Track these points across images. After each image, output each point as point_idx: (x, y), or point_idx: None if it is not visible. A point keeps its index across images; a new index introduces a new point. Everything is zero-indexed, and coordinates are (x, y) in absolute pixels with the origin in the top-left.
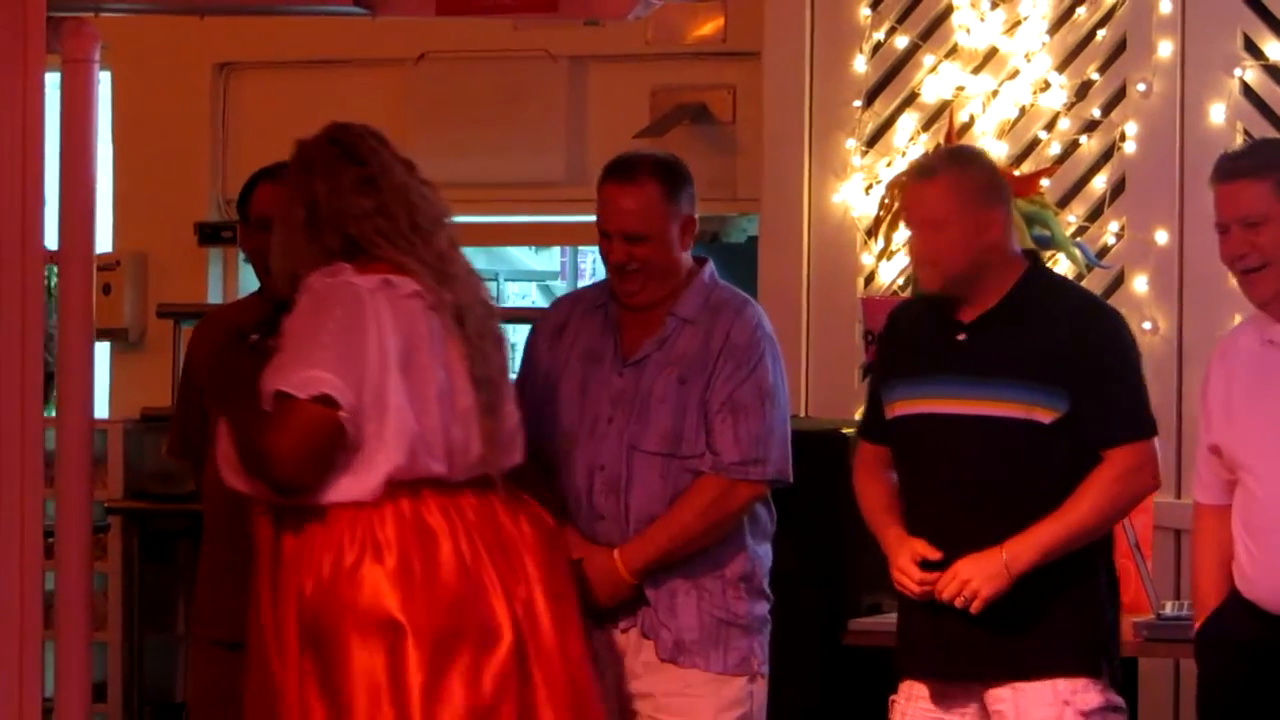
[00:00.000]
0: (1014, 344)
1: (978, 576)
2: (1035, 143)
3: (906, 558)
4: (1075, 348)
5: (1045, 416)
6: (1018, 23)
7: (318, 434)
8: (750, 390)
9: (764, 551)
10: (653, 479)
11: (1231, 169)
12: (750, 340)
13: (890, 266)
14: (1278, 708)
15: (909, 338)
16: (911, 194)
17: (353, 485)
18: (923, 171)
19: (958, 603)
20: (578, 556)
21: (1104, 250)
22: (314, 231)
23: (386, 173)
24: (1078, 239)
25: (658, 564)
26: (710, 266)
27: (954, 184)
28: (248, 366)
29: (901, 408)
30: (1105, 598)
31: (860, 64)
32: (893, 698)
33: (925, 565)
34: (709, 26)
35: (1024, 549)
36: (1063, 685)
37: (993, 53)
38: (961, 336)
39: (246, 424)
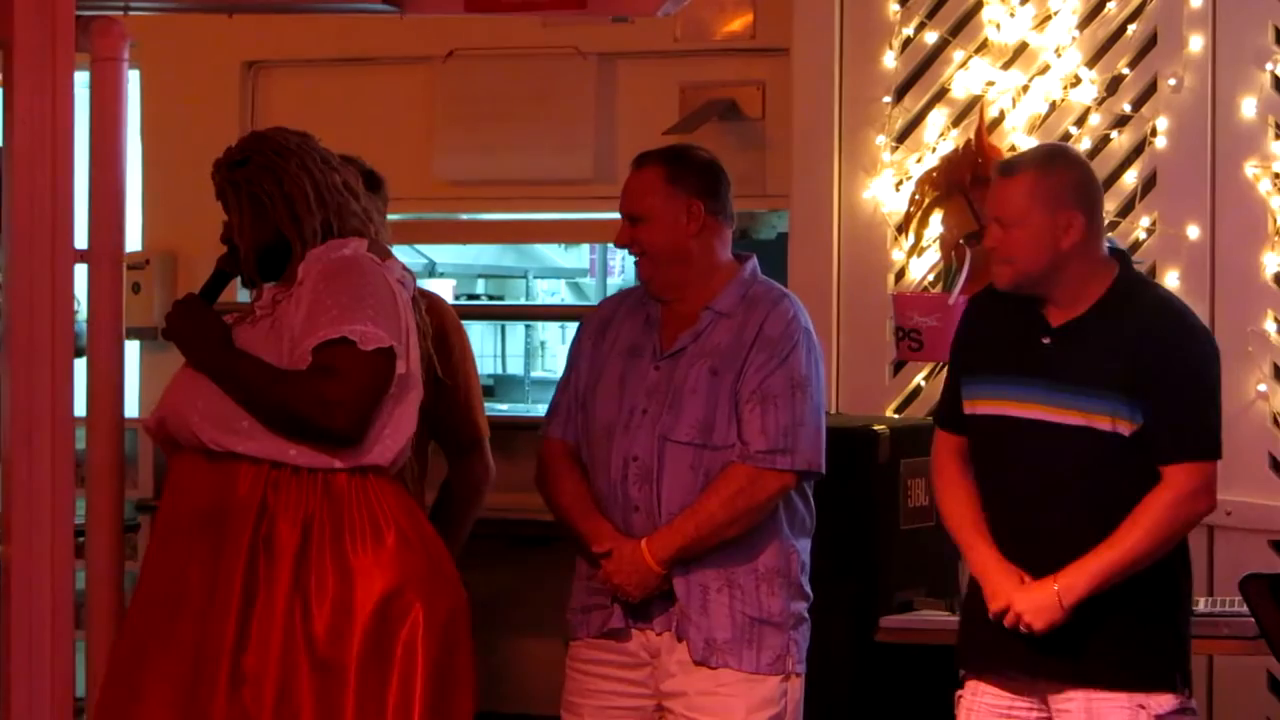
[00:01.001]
0: (1100, 353)
1: (1029, 610)
2: (1066, 138)
3: (1013, 588)
4: (1155, 360)
5: (1126, 428)
6: (1048, 17)
7: (380, 383)
8: (780, 380)
9: (802, 546)
10: (683, 469)
11: None
12: (784, 332)
13: (920, 262)
14: None
15: (992, 331)
16: (992, 190)
17: (379, 449)
18: (1006, 168)
19: (1021, 629)
20: (607, 548)
21: (1135, 245)
22: (307, 216)
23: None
24: (1109, 234)
25: (685, 553)
26: (753, 263)
27: (1032, 183)
28: (219, 330)
29: (982, 406)
30: (1182, 602)
31: (890, 59)
32: (959, 693)
33: None
34: (738, 23)
35: (1077, 580)
36: (1138, 694)
37: (1023, 48)
38: (1047, 340)
39: (281, 381)
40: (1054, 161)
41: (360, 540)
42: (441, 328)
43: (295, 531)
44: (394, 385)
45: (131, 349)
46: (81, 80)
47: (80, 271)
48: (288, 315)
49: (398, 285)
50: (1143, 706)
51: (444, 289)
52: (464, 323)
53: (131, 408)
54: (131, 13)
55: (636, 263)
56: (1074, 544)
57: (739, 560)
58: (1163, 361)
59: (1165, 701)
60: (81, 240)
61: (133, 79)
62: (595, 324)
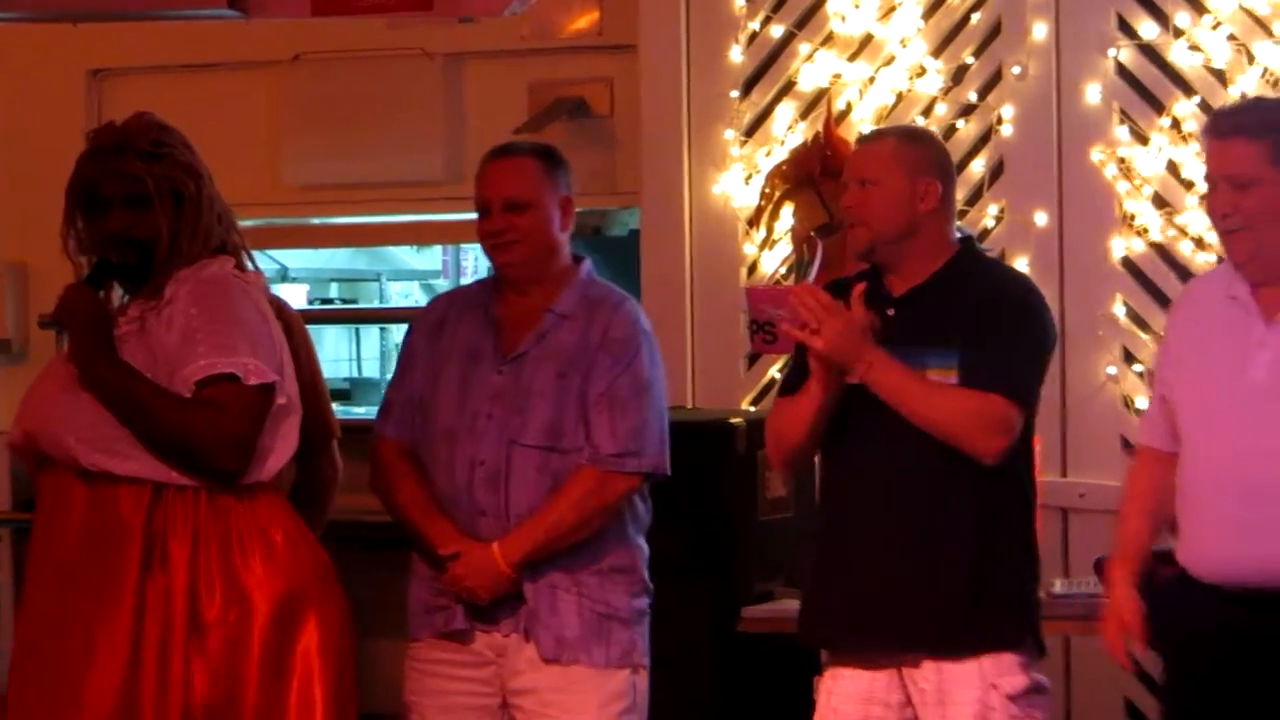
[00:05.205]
0: (941, 314)
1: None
2: None
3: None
4: (986, 307)
5: None
6: (892, 9)
7: (262, 420)
8: (627, 384)
9: (643, 544)
10: (530, 472)
11: (1229, 125)
12: (628, 335)
13: (772, 256)
14: (1245, 692)
15: None
16: (854, 155)
17: (265, 471)
18: (869, 135)
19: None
20: (454, 550)
21: (984, 233)
22: (212, 230)
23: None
24: (958, 223)
25: (535, 556)
26: (588, 264)
27: (896, 147)
28: (110, 332)
29: None
30: (1026, 569)
31: (736, 54)
32: (818, 679)
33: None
34: (584, 20)
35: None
36: (988, 665)
37: (868, 39)
38: (891, 312)
39: (170, 410)
40: (917, 135)
41: (249, 550)
42: (286, 329)
43: (185, 548)
44: (280, 413)
45: None
46: None
47: None
48: (158, 335)
49: (264, 301)
50: (994, 685)
51: (297, 294)
52: (318, 327)
53: None
54: None
55: (503, 246)
56: (911, 497)
57: (586, 560)
58: (992, 307)
59: (1016, 680)
60: None
61: None
62: (429, 323)
